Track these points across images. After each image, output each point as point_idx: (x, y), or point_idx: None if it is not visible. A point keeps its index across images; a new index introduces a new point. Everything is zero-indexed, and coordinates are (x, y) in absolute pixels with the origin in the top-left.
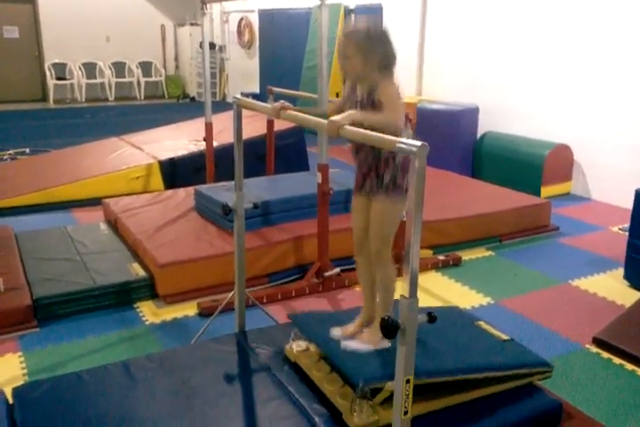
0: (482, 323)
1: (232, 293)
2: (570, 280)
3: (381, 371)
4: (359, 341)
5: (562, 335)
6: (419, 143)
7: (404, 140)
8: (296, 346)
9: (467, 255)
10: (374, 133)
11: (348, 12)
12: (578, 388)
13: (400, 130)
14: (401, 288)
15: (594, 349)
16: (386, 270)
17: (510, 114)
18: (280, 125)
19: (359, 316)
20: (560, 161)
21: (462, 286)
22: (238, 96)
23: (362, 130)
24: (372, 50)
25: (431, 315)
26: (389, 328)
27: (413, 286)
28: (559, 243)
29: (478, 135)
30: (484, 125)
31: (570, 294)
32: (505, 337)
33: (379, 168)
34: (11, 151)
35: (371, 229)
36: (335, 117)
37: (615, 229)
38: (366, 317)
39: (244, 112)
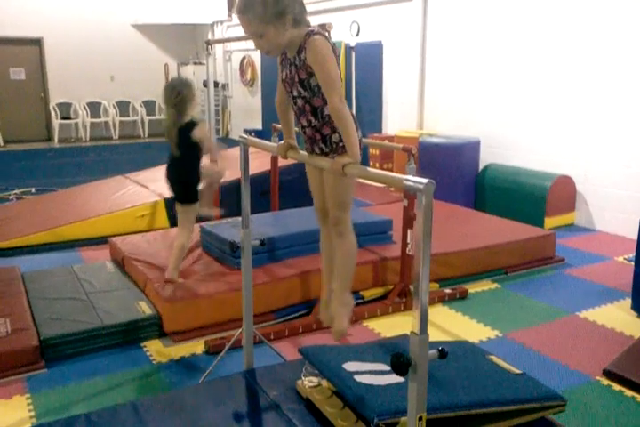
0: (493, 357)
1: (240, 330)
2: (577, 312)
3: (395, 405)
4: (335, 337)
5: (571, 368)
6: (425, 180)
7: (410, 177)
8: (308, 382)
9: (473, 288)
10: (381, 172)
11: (348, 49)
12: (591, 421)
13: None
14: (410, 324)
15: (605, 381)
16: (346, 239)
17: (511, 146)
18: (284, 161)
19: (321, 298)
20: (563, 192)
21: (470, 320)
22: (244, 135)
23: (366, 168)
24: (280, 14)
25: (442, 351)
26: (400, 365)
27: (424, 322)
28: (565, 274)
29: (480, 168)
30: (486, 158)
31: (578, 326)
32: (517, 371)
33: (323, 130)
34: (17, 191)
35: (328, 196)
36: (340, 158)
37: (620, 259)
38: (328, 295)
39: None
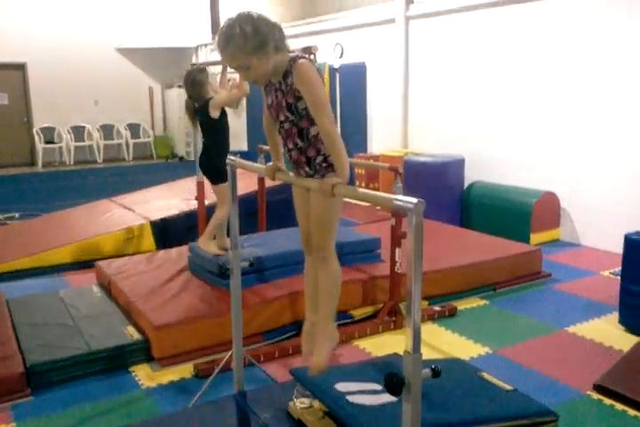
0: (484, 374)
1: (229, 353)
2: (566, 327)
3: (390, 425)
4: (312, 371)
5: (562, 383)
6: (415, 200)
7: (400, 197)
8: (299, 403)
9: (461, 305)
10: (370, 192)
11: (332, 71)
12: None
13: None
14: (404, 343)
15: (595, 395)
16: (330, 266)
17: (496, 164)
18: (270, 182)
19: (304, 326)
20: (547, 208)
21: (459, 337)
22: (232, 158)
23: (354, 188)
24: (259, 45)
25: (435, 369)
26: (394, 385)
27: (417, 340)
28: (552, 289)
29: (465, 185)
30: (471, 176)
31: (567, 341)
32: (509, 387)
33: (308, 151)
34: (0, 217)
35: (312, 221)
36: (328, 179)
37: (606, 273)
38: (310, 325)
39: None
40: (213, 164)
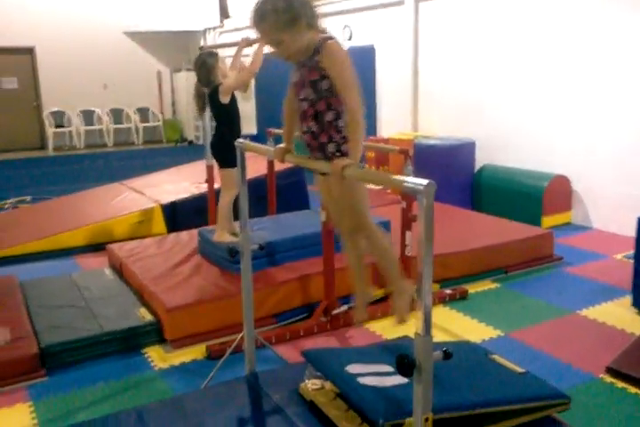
0: (496, 356)
1: (240, 334)
2: (578, 310)
3: (400, 407)
4: (399, 323)
5: (574, 366)
6: (425, 182)
7: (410, 179)
8: (311, 384)
9: (473, 288)
10: (381, 174)
11: None
12: (595, 419)
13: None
14: (412, 325)
15: (608, 378)
16: (376, 239)
17: (507, 147)
18: (280, 165)
19: (356, 298)
20: (559, 191)
21: (471, 320)
22: (242, 140)
23: (365, 170)
24: (295, 20)
25: (446, 351)
26: (405, 367)
27: (427, 323)
28: (564, 272)
29: (476, 169)
30: (482, 159)
31: (579, 324)
32: (520, 370)
33: (320, 137)
34: (12, 200)
35: (343, 206)
36: (338, 160)
37: (619, 256)
38: (360, 298)
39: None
40: (223, 148)
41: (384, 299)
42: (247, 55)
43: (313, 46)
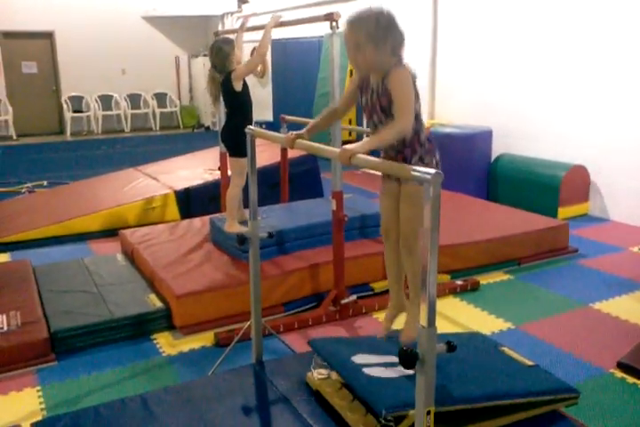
0: (505, 349)
1: (248, 323)
2: (591, 303)
3: (405, 398)
4: (404, 339)
5: (585, 360)
6: (432, 171)
7: (418, 168)
8: (317, 374)
9: (484, 279)
10: (387, 162)
11: None
12: (603, 415)
13: (417, 122)
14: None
15: (618, 374)
16: (416, 257)
17: (524, 136)
18: (294, 153)
19: (389, 307)
20: (576, 182)
21: (481, 311)
22: (252, 127)
23: (373, 158)
24: (384, 37)
25: (450, 344)
26: (408, 359)
27: (432, 314)
28: (579, 265)
29: (492, 158)
30: (498, 148)
31: (591, 318)
32: (529, 363)
33: (404, 151)
34: (29, 184)
35: (402, 215)
36: (349, 146)
37: (635, 249)
38: (394, 306)
39: (258, 140)
40: (232, 136)
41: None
42: (257, 41)
43: (386, 69)
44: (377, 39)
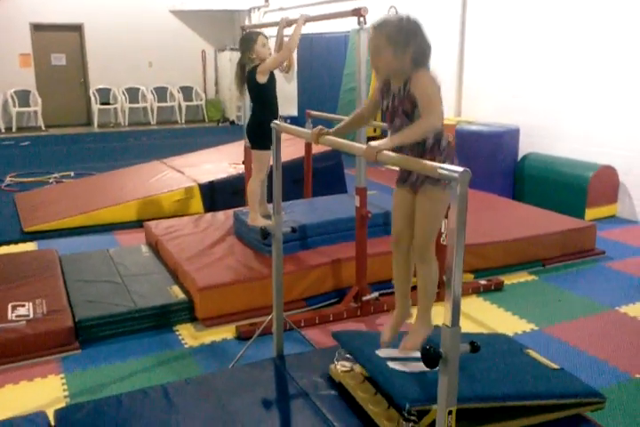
0: (531, 351)
1: (270, 317)
2: (617, 307)
3: (428, 393)
4: (402, 350)
5: (610, 365)
6: (460, 169)
7: (445, 165)
8: (341, 366)
9: (509, 280)
10: (413, 159)
11: None
12: (629, 421)
13: (441, 126)
14: (442, 315)
15: None
16: (430, 268)
17: (551, 135)
18: (318, 148)
19: (392, 316)
20: (605, 183)
21: (505, 312)
22: (277, 122)
23: (401, 156)
24: (405, 42)
25: (474, 344)
26: (431, 357)
27: (456, 314)
28: (605, 267)
29: (519, 157)
30: (525, 147)
31: (617, 321)
32: (555, 366)
33: (424, 156)
34: (56, 175)
35: (417, 224)
36: (374, 143)
37: None
38: (399, 316)
39: (283, 135)
40: (255, 129)
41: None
42: (287, 35)
43: (407, 75)
44: (397, 43)
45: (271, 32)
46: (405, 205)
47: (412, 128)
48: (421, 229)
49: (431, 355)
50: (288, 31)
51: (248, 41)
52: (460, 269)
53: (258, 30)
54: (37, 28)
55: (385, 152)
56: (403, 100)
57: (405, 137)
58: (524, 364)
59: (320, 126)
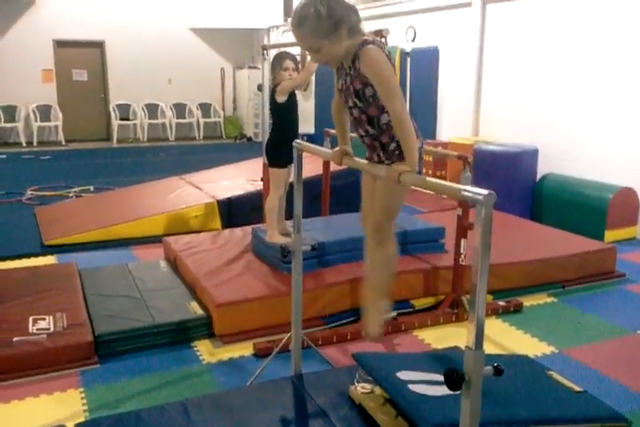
0: (553, 373)
1: (288, 335)
2: (639, 330)
3: (451, 416)
4: (368, 328)
5: (632, 390)
6: (485, 192)
7: (469, 188)
8: (361, 388)
9: (528, 301)
10: (438, 182)
11: (404, 55)
12: None
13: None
14: (464, 336)
15: None
16: (386, 248)
17: (571, 156)
18: (336, 166)
19: (367, 309)
20: (625, 205)
21: (524, 334)
22: (299, 141)
23: (424, 177)
24: (335, 27)
25: (497, 367)
26: (454, 381)
27: (479, 336)
28: (626, 290)
29: (538, 177)
30: (544, 167)
31: (639, 345)
32: (578, 389)
33: (381, 138)
34: (76, 189)
35: (377, 200)
36: (397, 165)
37: None
38: (373, 309)
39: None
40: (272, 147)
41: (434, 307)
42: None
43: (352, 51)
44: (328, 32)
45: (289, 50)
46: (370, 186)
47: (401, 135)
48: (380, 205)
49: (455, 378)
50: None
51: (276, 61)
52: (484, 291)
53: (286, 52)
54: (60, 44)
55: (407, 173)
56: (354, 79)
57: (410, 149)
58: (547, 386)
59: (344, 146)
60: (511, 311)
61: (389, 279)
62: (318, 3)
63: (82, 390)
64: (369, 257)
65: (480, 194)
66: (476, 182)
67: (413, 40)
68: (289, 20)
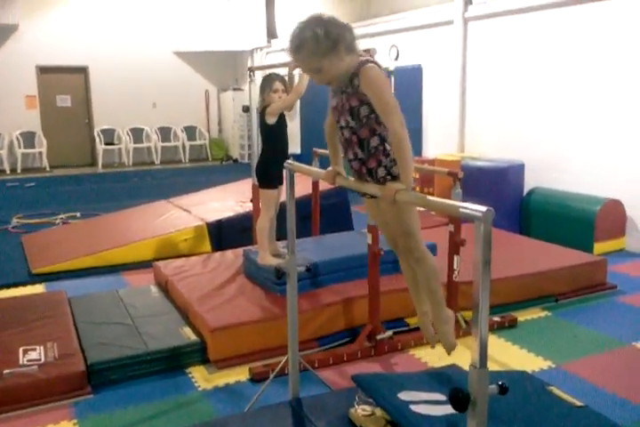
0: (553, 388)
1: (285, 358)
2: (634, 342)
3: None
4: (443, 342)
5: (631, 402)
6: (484, 208)
7: (466, 205)
8: (361, 410)
9: (522, 316)
10: (434, 199)
11: (387, 73)
12: None
13: (402, 119)
14: (461, 354)
15: None
16: (424, 264)
17: (557, 169)
18: (324, 185)
19: (418, 316)
20: (612, 216)
21: (520, 349)
22: (290, 161)
23: (419, 195)
24: (333, 46)
25: (502, 386)
26: (460, 400)
27: (483, 354)
28: (619, 302)
29: (525, 191)
30: (531, 181)
31: (635, 357)
32: (579, 403)
33: (369, 163)
34: (62, 215)
35: (392, 225)
36: (391, 184)
37: None
38: (422, 315)
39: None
40: (262, 168)
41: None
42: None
43: (351, 70)
44: (327, 52)
45: (274, 70)
46: (375, 211)
47: (397, 154)
48: (400, 231)
49: (460, 398)
50: (298, 71)
51: (265, 83)
52: (487, 309)
53: (278, 74)
54: (43, 70)
55: (402, 191)
56: (350, 96)
57: (406, 167)
58: (549, 402)
59: (336, 167)
60: (506, 327)
61: (440, 289)
62: (314, 26)
63: (75, 421)
64: (408, 276)
65: (479, 211)
66: (465, 198)
67: (397, 59)
68: (272, 41)
